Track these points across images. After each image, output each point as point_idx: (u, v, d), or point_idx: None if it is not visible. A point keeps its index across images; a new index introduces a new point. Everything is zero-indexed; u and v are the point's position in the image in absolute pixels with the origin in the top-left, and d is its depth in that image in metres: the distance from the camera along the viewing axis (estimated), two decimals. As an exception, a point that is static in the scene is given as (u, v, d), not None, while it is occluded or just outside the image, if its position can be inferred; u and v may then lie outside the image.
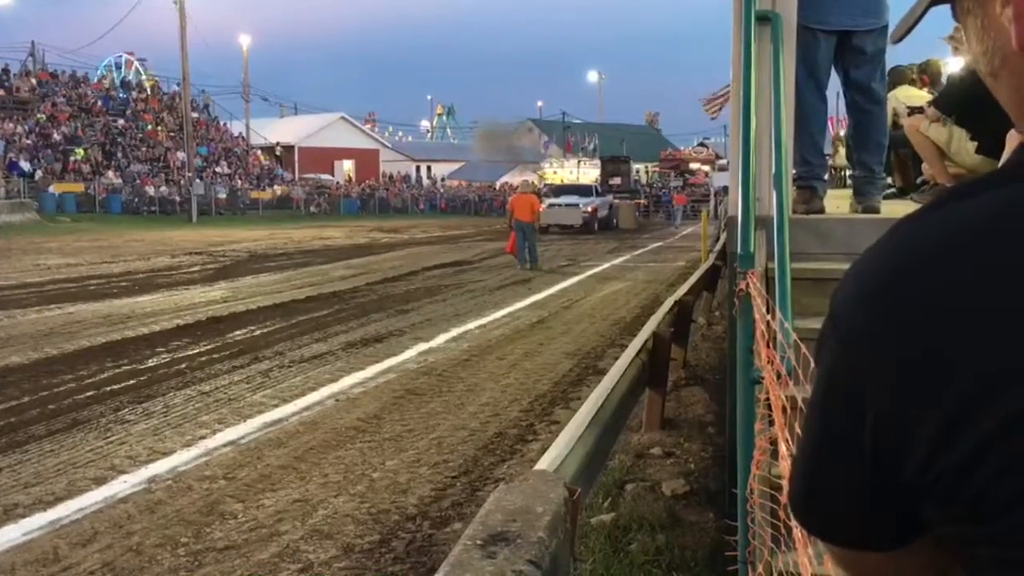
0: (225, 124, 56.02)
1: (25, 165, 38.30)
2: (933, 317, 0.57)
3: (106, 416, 6.41)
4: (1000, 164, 0.66)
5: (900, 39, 0.78)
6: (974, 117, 5.76)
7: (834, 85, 5.09)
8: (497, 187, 57.06)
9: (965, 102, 5.82)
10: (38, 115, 43.22)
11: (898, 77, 8.01)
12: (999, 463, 0.53)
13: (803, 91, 4.53)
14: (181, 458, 5.52)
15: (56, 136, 42.45)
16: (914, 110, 7.13)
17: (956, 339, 0.55)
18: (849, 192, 5.78)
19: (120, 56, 54.86)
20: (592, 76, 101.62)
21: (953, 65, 7.55)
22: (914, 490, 0.59)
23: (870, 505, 0.63)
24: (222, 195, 43.51)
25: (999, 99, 0.66)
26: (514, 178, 57.86)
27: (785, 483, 2.13)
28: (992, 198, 0.58)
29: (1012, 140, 4.14)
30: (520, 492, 1.79)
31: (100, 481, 5.09)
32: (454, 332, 10.08)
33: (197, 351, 8.77)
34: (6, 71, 46.06)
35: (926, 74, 8.53)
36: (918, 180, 7.41)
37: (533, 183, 26.34)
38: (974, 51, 0.66)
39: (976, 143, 5.89)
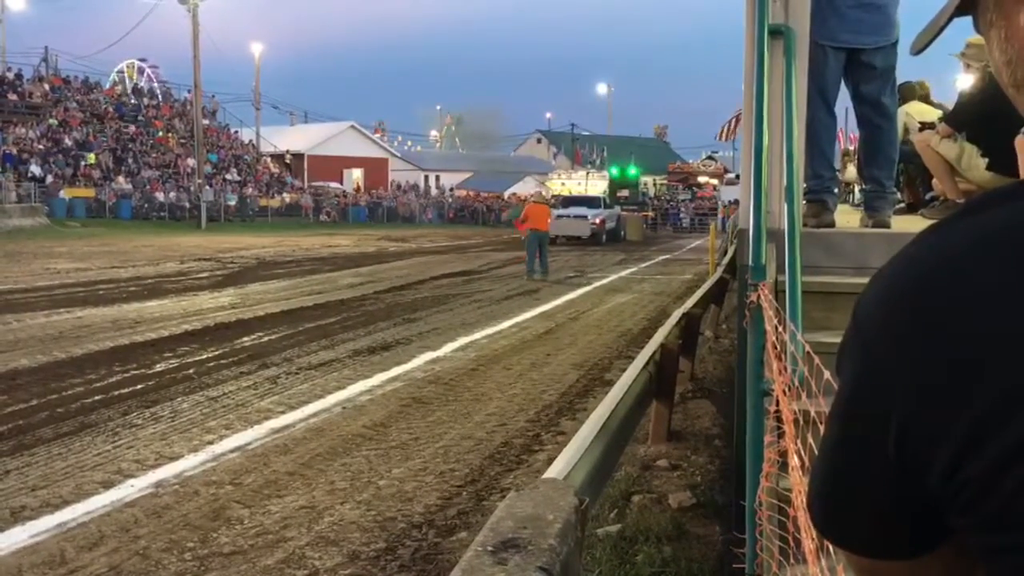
0: (235, 131, 56.23)
1: (36, 169, 38.48)
2: (959, 324, 0.57)
3: (114, 420, 6.43)
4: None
5: (921, 51, 0.79)
6: (985, 133, 5.76)
7: (844, 100, 5.10)
8: (505, 197, 57.09)
9: (977, 118, 5.83)
10: (50, 120, 43.44)
11: (907, 93, 8.02)
12: None
13: (813, 106, 4.53)
14: (188, 463, 5.53)
15: (67, 141, 42.65)
16: (925, 125, 7.14)
17: (981, 347, 0.55)
18: (856, 208, 5.78)
19: (133, 63, 55.14)
20: (601, 88, 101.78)
21: (963, 82, 7.55)
22: (938, 497, 0.59)
23: (892, 512, 0.63)
24: (231, 202, 43.63)
25: (1021, 111, 0.67)
26: (521, 189, 57.97)
27: (795, 496, 2.13)
28: (1017, 208, 0.59)
29: (1022, 147, 4.11)
30: (530, 499, 1.80)
31: (107, 485, 5.10)
32: (461, 341, 10.08)
33: (205, 357, 8.79)
34: (19, 76, 46.32)
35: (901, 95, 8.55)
36: (927, 196, 7.41)
37: (543, 194, 26.39)
38: (996, 62, 0.66)
39: (987, 159, 5.90)
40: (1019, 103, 0.66)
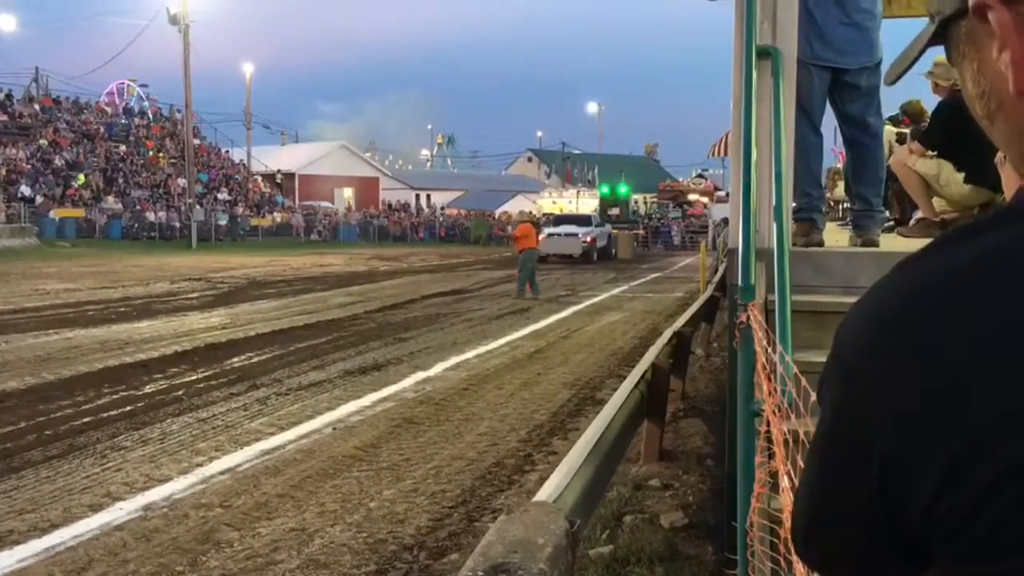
0: (226, 151, 56.26)
1: (26, 190, 38.40)
2: (938, 357, 0.57)
3: (103, 442, 6.38)
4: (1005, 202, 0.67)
5: (895, 81, 0.80)
6: (958, 148, 5.84)
7: (834, 119, 5.14)
8: (496, 216, 57.19)
9: (948, 135, 5.91)
10: (40, 141, 43.38)
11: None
12: (1009, 501, 0.53)
13: (799, 125, 4.56)
14: (177, 485, 5.49)
15: (58, 162, 42.60)
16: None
17: (962, 380, 0.56)
18: (844, 226, 5.80)
19: (123, 83, 55.27)
20: (592, 107, 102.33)
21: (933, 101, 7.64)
22: (921, 527, 0.59)
23: (875, 541, 0.63)
24: (222, 221, 43.61)
25: (995, 142, 0.67)
26: (512, 208, 58.09)
27: (786, 517, 2.13)
28: (993, 239, 0.59)
29: (1007, 174, 4.17)
30: (521, 523, 1.79)
31: (96, 508, 5.06)
32: (452, 361, 10.06)
33: (195, 378, 8.75)
34: (9, 97, 46.31)
35: (907, 114, 8.65)
36: (914, 214, 7.45)
37: (531, 212, 26.55)
38: (970, 94, 0.67)
39: (964, 173, 5.98)
40: (992, 134, 0.67)
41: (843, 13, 4.66)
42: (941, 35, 0.68)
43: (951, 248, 0.61)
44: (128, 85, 55.12)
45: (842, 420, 0.63)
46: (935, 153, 6.19)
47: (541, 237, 19.86)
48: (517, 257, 18.62)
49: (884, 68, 4.86)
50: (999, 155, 3.99)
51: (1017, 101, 0.62)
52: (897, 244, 5.40)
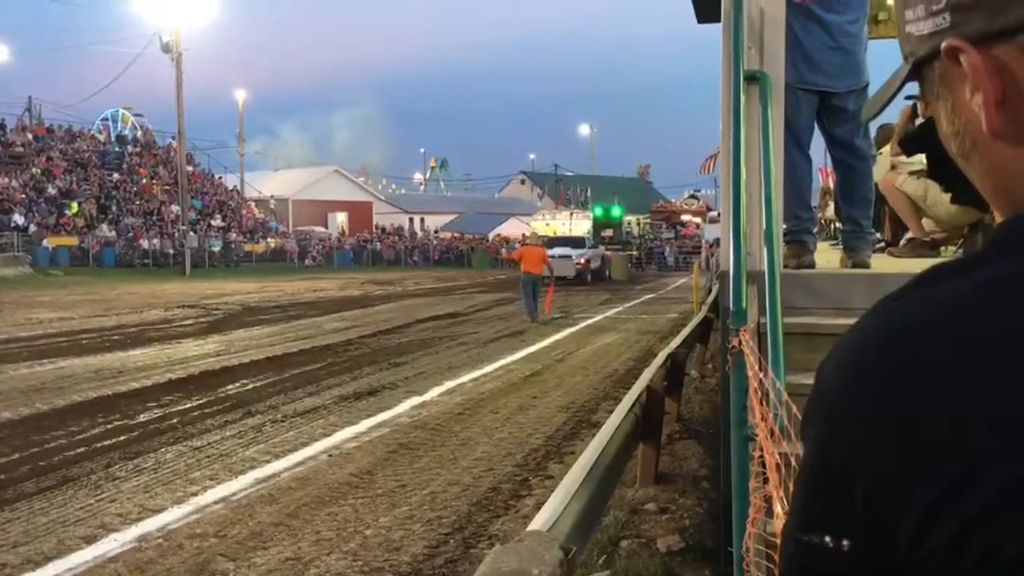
0: (220, 177, 56.33)
1: (19, 219, 38.36)
2: (921, 394, 0.58)
3: (97, 473, 6.35)
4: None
5: (873, 117, 0.82)
6: (942, 167, 5.88)
7: (821, 140, 5.18)
8: (490, 239, 57.26)
9: (933, 152, 5.96)
10: (33, 169, 43.40)
11: (889, 134, 8.15)
12: (995, 534, 0.54)
13: (787, 149, 4.60)
14: (172, 515, 5.46)
15: (51, 190, 42.60)
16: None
17: (945, 415, 0.57)
18: (836, 246, 5.82)
19: (117, 110, 55.46)
20: (584, 129, 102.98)
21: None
22: (907, 563, 0.59)
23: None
24: (216, 248, 43.61)
25: (970, 179, 0.69)
26: (506, 230, 58.22)
27: (779, 541, 2.13)
28: (977, 277, 0.60)
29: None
30: (515, 553, 1.79)
31: (90, 540, 5.03)
32: (447, 385, 10.05)
33: (189, 406, 8.72)
34: (2, 126, 46.37)
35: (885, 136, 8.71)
36: (904, 234, 7.49)
37: (538, 235, 26.43)
38: (944, 133, 0.69)
39: (950, 194, 6.02)
40: (968, 172, 0.68)
41: (829, 37, 4.71)
42: (915, 75, 0.70)
43: (925, 291, 0.62)
44: (122, 113, 55.34)
45: (823, 459, 0.64)
46: (923, 170, 6.23)
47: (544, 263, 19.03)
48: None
49: (871, 91, 4.92)
50: None
51: (990, 141, 0.64)
52: (888, 265, 5.43)
